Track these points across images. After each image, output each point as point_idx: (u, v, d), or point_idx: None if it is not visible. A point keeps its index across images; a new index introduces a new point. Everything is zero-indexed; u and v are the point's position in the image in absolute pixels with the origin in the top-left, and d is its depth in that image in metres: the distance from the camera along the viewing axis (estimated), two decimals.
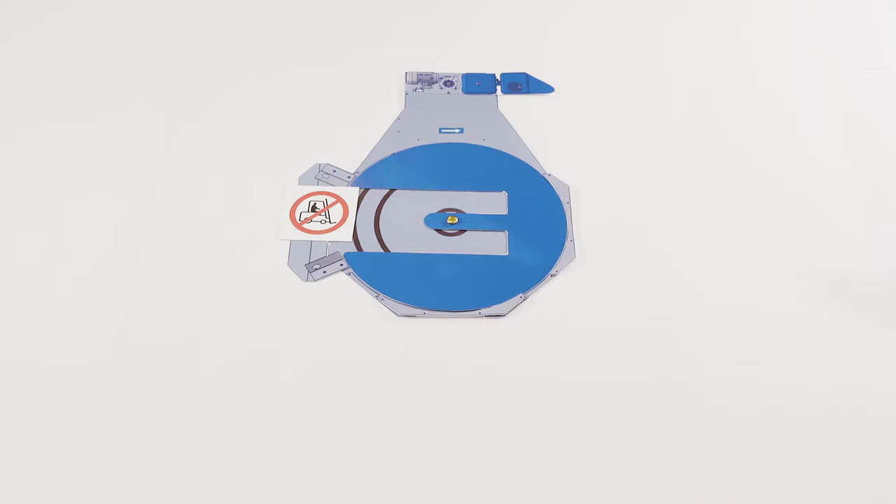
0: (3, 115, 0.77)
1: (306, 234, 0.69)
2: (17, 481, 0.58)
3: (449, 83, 0.80)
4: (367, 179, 0.73)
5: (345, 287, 0.67)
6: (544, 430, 0.60)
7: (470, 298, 0.66)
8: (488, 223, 0.70)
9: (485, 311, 0.65)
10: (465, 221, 0.70)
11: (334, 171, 0.73)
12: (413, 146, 0.75)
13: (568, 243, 0.69)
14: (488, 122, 0.77)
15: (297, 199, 0.71)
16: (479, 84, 0.80)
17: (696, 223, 0.70)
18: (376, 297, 0.66)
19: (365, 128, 0.76)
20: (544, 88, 0.80)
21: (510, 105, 0.78)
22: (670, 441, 0.59)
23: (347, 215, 0.71)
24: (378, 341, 0.64)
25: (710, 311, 0.65)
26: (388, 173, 0.74)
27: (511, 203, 0.71)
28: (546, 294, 0.67)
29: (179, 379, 0.62)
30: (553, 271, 0.67)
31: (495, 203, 0.71)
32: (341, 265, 0.68)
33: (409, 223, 0.70)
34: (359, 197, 0.72)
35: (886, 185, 0.72)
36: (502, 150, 0.75)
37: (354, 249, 0.69)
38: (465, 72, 0.81)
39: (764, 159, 0.73)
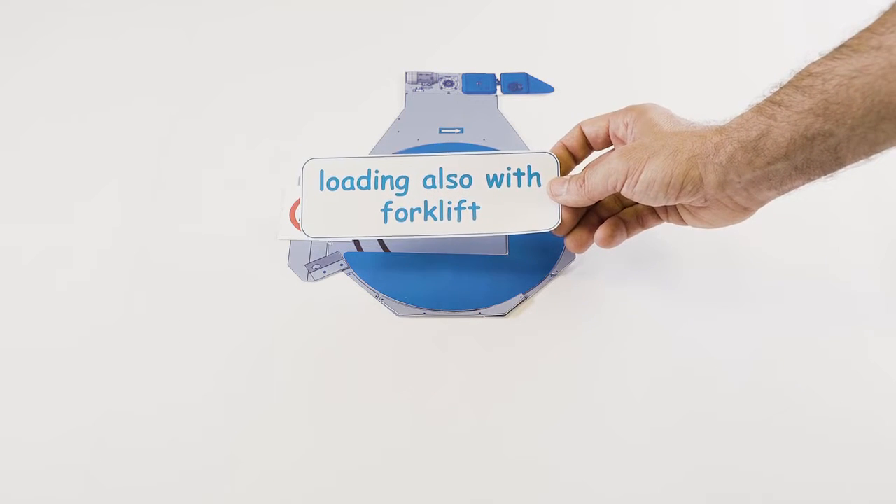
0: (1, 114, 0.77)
1: (306, 235, 0.69)
2: (15, 488, 0.58)
3: (449, 83, 0.80)
4: None
5: (345, 287, 0.67)
6: (544, 431, 0.60)
7: (470, 298, 0.66)
8: None
9: (485, 311, 0.65)
10: None
11: None
12: (413, 146, 0.75)
13: None
14: (488, 122, 0.77)
15: (297, 199, 0.71)
16: (479, 84, 0.80)
17: None
18: (376, 297, 0.66)
19: (365, 128, 0.76)
20: (544, 88, 0.80)
21: (510, 105, 0.78)
22: (671, 442, 0.59)
23: None
24: (378, 341, 0.64)
25: (712, 311, 0.65)
26: None
27: None
28: (546, 294, 0.67)
29: (178, 379, 0.62)
30: (553, 271, 0.68)
31: None
32: (341, 265, 0.68)
33: None
34: None
35: (886, 185, 0.72)
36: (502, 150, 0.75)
37: (354, 249, 0.69)
38: (465, 72, 0.81)
39: None
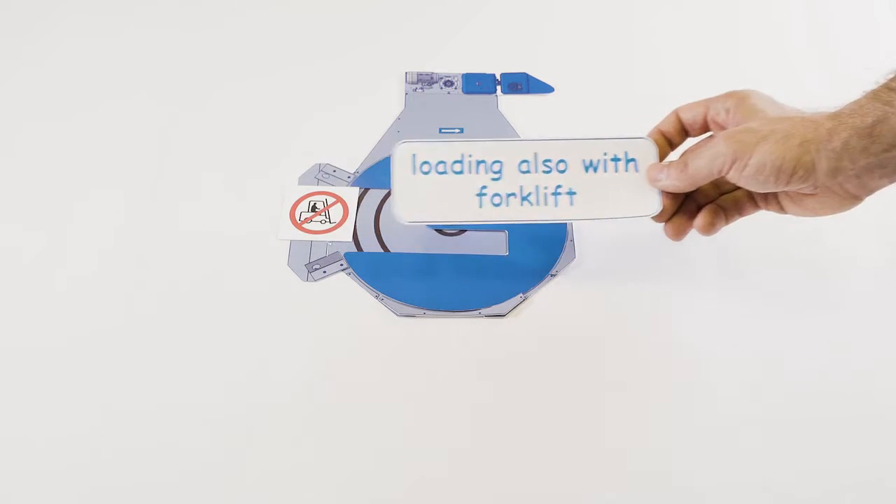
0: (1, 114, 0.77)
1: (306, 234, 0.69)
2: (15, 488, 0.58)
3: (449, 83, 0.80)
4: (368, 179, 0.73)
5: (345, 287, 0.67)
6: (544, 431, 0.60)
7: (470, 298, 0.66)
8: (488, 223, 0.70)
9: (485, 311, 0.65)
10: None
11: (334, 170, 0.74)
12: None
13: (568, 243, 0.69)
14: (488, 122, 0.77)
15: (297, 199, 0.71)
16: (479, 84, 0.80)
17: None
18: (376, 297, 0.66)
19: (365, 128, 0.76)
20: (544, 88, 0.80)
21: (510, 105, 0.78)
22: (671, 442, 0.59)
23: (347, 215, 0.71)
24: (378, 341, 0.64)
25: (712, 311, 0.65)
26: (388, 173, 0.73)
27: None
28: (546, 294, 0.67)
29: (178, 378, 0.62)
30: (553, 271, 0.68)
31: None
32: (341, 265, 0.68)
33: None
34: (359, 197, 0.72)
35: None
36: None
37: (354, 249, 0.69)
38: (465, 72, 0.81)
39: None
